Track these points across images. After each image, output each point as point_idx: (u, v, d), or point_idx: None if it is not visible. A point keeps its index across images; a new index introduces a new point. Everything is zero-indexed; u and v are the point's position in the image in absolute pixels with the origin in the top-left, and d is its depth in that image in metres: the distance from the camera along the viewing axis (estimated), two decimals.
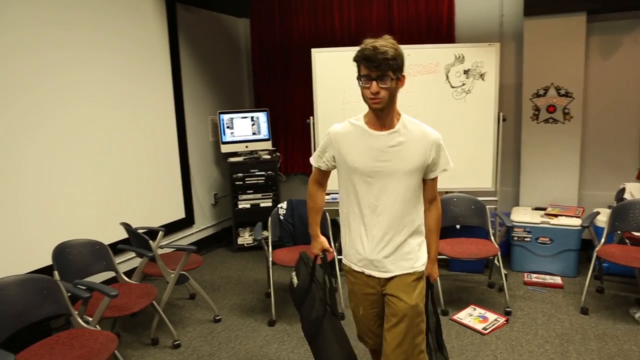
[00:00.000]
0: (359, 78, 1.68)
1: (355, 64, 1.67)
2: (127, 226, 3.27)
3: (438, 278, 2.20)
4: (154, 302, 2.83)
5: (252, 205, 4.77)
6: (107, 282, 3.05)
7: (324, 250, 2.11)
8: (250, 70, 5.50)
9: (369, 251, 1.84)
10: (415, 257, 1.85)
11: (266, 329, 3.21)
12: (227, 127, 4.82)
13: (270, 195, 4.80)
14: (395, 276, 1.83)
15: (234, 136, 4.84)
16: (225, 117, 4.81)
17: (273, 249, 3.39)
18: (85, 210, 3.52)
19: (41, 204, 3.21)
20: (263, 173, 4.74)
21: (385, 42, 1.62)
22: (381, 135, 1.76)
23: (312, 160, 1.99)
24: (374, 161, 1.77)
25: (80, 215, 3.47)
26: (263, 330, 3.20)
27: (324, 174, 2.00)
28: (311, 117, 4.11)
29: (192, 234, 4.75)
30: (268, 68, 5.27)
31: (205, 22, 4.94)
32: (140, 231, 3.16)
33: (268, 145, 4.95)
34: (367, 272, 1.87)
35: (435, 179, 1.87)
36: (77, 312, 2.41)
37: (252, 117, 4.91)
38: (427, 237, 1.94)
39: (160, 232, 3.45)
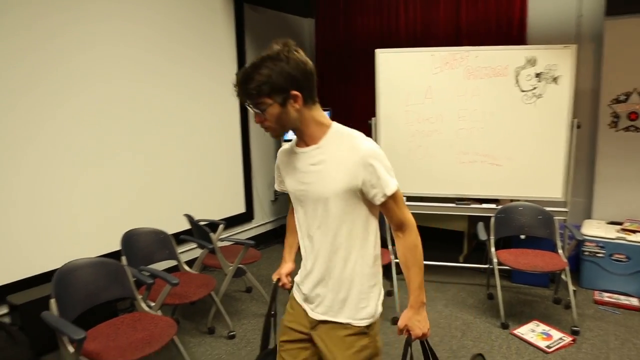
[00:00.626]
0: (248, 104, 1.40)
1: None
2: (190, 218, 3.39)
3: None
4: (212, 292, 2.92)
5: None
6: (169, 270, 3.18)
7: (279, 278, 1.78)
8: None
9: (304, 285, 1.54)
10: (354, 306, 1.46)
11: None
12: None
13: None
14: (327, 322, 1.49)
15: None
16: None
17: None
18: (153, 200, 3.70)
19: (113, 193, 3.41)
20: None
21: (253, 64, 1.33)
22: (303, 153, 1.45)
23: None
24: (298, 183, 1.48)
25: (148, 205, 3.65)
26: None
27: None
28: (373, 119, 4.07)
29: (251, 228, 4.85)
30: (332, 68, 5.28)
31: (271, 21, 5.03)
32: (201, 223, 3.26)
33: None
34: (303, 305, 1.57)
35: (390, 203, 1.41)
36: (141, 297, 2.53)
37: None
38: (404, 275, 1.49)
39: (221, 225, 3.54)
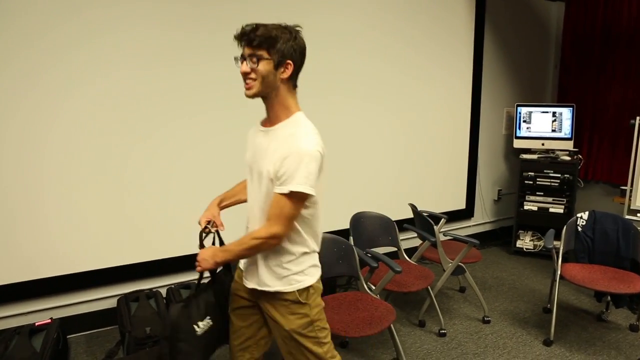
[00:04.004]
0: (236, 59, 1.46)
1: None
2: (414, 207, 3.40)
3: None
4: (429, 286, 2.88)
5: (539, 208, 4.34)
6: (388, 256, 3.25)
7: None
8: (557, 60, 4.94)
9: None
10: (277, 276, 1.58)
11: (540, 347, 2.89)
12: (524, 121, 4.47)
13: (563, 201, 4.27)
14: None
15: (530, 131, 4.47)
16: (523, 110, 4.47)
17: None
18: (379, 186, 3.85)
19: (344, 178, 3.67)
20: (559, 175, 4.24)
21: (271, 24, 1.41)
22: (262, 131, 1.55)
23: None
24: (252, 156, 1.58)
25: (375, 190, 3.83)
26: (536, 347, 2.90)
27: None
28: (638, 118, 3.41)
29: (470, 226, 4.67)
30: (580, 58, 4.62)
31: (515, 6, 4.65)
32: (424, 215, 3.24)
33: (569, 145, 4.38)
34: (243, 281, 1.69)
35: (278, 197, 1.43)
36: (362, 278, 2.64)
37: (553, 113, 4.42)
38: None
39: (443, 219, 3.47)
